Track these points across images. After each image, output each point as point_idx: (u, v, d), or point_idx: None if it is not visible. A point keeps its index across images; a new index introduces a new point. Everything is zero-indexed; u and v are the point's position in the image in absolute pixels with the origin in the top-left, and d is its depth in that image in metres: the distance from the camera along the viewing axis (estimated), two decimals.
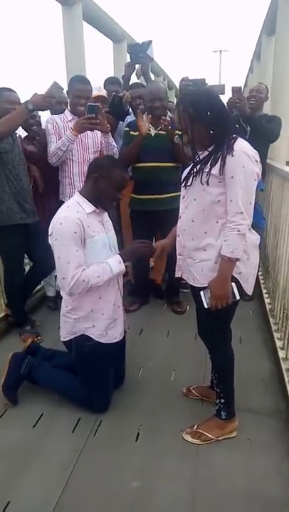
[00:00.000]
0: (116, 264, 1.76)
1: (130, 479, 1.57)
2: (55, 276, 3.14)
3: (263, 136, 2.82)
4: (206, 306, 1.57)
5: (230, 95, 2.76)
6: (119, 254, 1.82)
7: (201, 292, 1.58)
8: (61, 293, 1.85)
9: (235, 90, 2.69)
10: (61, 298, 1.96)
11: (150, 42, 2.99)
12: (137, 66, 3.27)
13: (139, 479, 1.57)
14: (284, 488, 1.52)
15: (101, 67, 5.94)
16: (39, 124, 2.65)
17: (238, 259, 1.50)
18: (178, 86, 2.98)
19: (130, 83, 3.26)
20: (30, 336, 2.52)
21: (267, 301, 2.96)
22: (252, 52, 6.88)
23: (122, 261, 1.78)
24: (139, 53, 3.00)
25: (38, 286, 3.11)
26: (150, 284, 3.24)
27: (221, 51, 27.49)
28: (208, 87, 2.69)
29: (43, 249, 2.57)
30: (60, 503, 1.47)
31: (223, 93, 2.72)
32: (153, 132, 2.64)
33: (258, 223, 2.94)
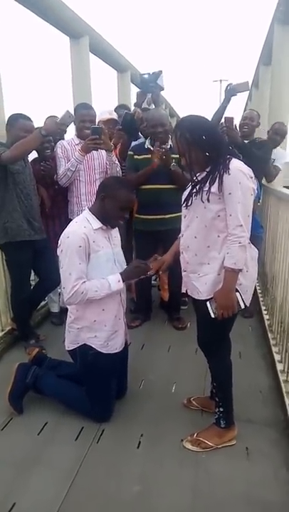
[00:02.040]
0: (115, 282, 1.85)
1: (132, 484, 1.61)
2: (59, 293, 3.25)
3: (254, 162, 2.96)
4: (212, 316, 1.65)
5: (224, 123, 2.90)
6: (120, 273, 1.90)
7: (208, 303, 1.66)
8: (61, 302, 1.93)
9: (228, 120, 2.85)
10: (65, 313, 2.08)
11: (160, 72, 3.17)
12: (148, 95, 3.45)
13: (141, 484, 1.61)
14: (282, 493, 1.57)
15: (106, 95, 6.21)
16: (52, 148, 2.81)
17: (240, 270, 1.59)
18: (180, 115, 3.18)
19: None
20: (34, 349, 2.58)
21: (266, 317, 3.03)
22: (250, 80, 7.17)
23: (121, 280, 1.87)
24: (150, 82, 3.17)
25: (43, 303, 3.20)
26: (151, 301, 3.33)
27: (221, 80, 28.35)
28: (232, 85, 2.87)
29: (49, 265, 2.71)
30: (64, 506, 1.51)
31: (247, 89, 2.89)
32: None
33: (256, 232, 3.06)
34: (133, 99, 5.13)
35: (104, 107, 3.64)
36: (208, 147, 1.61)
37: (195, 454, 1.77)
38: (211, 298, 1.65)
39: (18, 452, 1.80)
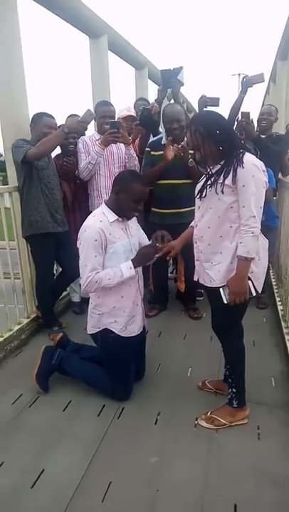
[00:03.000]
0: (127, 269, 1.97)
1: (149, 455, 1.75)
2: (80, 284, 3.41)
3: (270, 156, 3.03)
4: (225, 302, 1.75)
5: (240, 118, 3.00)
6: (131, 260, 2.01)
7: (221, 289, 1.76)
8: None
9: (244, 115, 2.94)
10: (86, 303, 2.21)
11: (181, 68, 3.25)
12: (168, 90, 3.54)
13: (158, 455, 1.75)
14: None
15: (124, 91, 6.33)
16: (75, 143, 2.95)
17: (253, 258, 1.69)
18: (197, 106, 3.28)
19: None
20: (58, 335, 2.74)
21: (280, 308, 3.11)
22: (268, 74, 7.15)
23: (132, 266, 1.98)
24: (170, 78, 3.24)
25: (64, 293, 3.36)
26: (168, 292, 3.44)
27: (239, 74, 28.04)
28: (248, 77, 2.99)
29: (71, 255, 2.86)
30: (88, 473, 1.66)
31: (262, 81, 3.02)
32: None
33: (272, 222, 3.15)
34: (150, 96, 5.23)
35: (122, 104, 3.77)
36: (222, 141, 1.70)
37: (209, 430, 1.89)
38: (225, 285, 1.76)
39: (45, 426, 1.96)
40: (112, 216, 1.98)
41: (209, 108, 3.39)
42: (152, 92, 6.25)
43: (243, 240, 1.67)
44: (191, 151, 2.78)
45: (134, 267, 1.99)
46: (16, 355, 2.68)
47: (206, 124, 1.68)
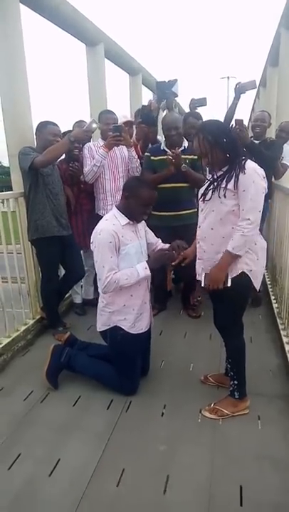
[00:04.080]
0: (142, 269, 2.10)
1: (158, 444, 1.86)
2: (81, 286, 3.51)
3: (263, 161, 3.17)
4: (202, 285, 1.92)
5: (234, 125, 3.14)
6: (146, 261, 2.15)
7: (203, 274, 1.92)
8: (99, 290, 2.18)
9: (238, 122, 3.08)
10: (87, 304, 2.24)
11: (176, 80, 3.42)
12: (163, 101, 3.67)
13: (166, 444, 1.86)
14: None
15: (118, 96, 6.44)
16: (80, 149, 3.07)
17: (238, 256, 1.82)
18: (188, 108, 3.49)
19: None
20: (63, 335, 2.84)
21: (275, 305, 3.25)
22: (258, 78, 7.33)
23: (147, 267, 2.11)
24: (165, 90, 3.42)
25: (67, 295, 3.46)
26: (168, 292, 3.56)
27: (228, 77, 28.46)
28: (240, 84, 3.16)
29: (74, 258, 2.98)
30: (101, 461, 1.77)
31: (255, 87, 3.18)
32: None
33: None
34: (144, 101, 5.35)
35: (116, 108, 3.90)
36: (228, 149, 1.83)
37: (213, 421, 2.01)
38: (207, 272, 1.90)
39: (58, 420, 2.06)
40: (124, 220, 2.09)
41: (199, 108, 3.59)
42: (146, 98, 6.41)
43: (234, 237, 1.81)
44: (188, 157, 2.92)
45: (150, 268, 2.11)
46: (23, 354, 2.77)
47: (213, 133, 1.80)
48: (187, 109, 3.90)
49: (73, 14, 3.81)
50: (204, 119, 3.45)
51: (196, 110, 3.65)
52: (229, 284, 1.88)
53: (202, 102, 3.52)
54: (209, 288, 1.89)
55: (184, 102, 9.32)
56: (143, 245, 2.21)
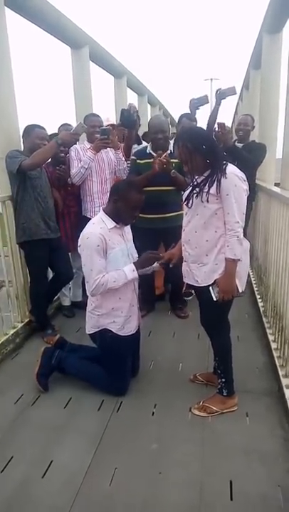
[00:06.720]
0: (130, 271, 2.12)
1: (150, 442, 1.90)
2: (70, 288, 3.52)
3: (243, 164, 3.25)
4: (214, 299, 1.93)
5: (217, 129, 3.20)
6: (133, 263, 2.18)
7: (210, 288, 1.94)
8: (87, 292, 2.20)
9: (220, 126, 3.15)
10: (75, 307, 2.29)
11: (206, 96, 3.51)
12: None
13: (157, 442, 1.90)
14: (277, 445, 1.86)
15: (103, 99, 6.47)
16: (66, 152, 3.09)
17: (239, 260, 1.88)
18: (173, 115, 3.50)
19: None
20: (52, 338, 2.85)
21: (260, 304, 3.33)
22: (241, 80, 7.44)
23: (135, 269, 2.14)
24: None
25: (55, 297, 3.47)
26: (155, 294, 3.61)
27: (212, 79, 28.73)
28: (221, 90, 3.21)
29: (63, 261, 3.00)
30: (94, 461, 1.80)
31: (234, 93, 3.26)
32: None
33: None
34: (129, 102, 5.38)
35: (103, 114, 3.93)
36: (207, 155, 1.88)
37: (202, 418, 2.06)
38: (214, 283, 1.93)
39: (49, 421, 2.08)
40: (111, 223, 2.12)
41: (201, 108, 3.58)
42: (131, 100, 6.45)
43: (230, 244, 1.85)
44: (174, 161, 2.96)
45: (137, 269, 2.14)
46: (13, 357, 2.77)
47: (192, 140, 1.85)
48: (173, 112, 3.92)
49: (58, 17, 3.82)
50: (203, 120, 3.51)
51: (197, 110, 3.55)
52: (241, 291, 1.93)
53: (203, 100, 3.42)
54: (223, 299, 1.91)
55: (168, 104, 9.42)
56: (130, 248, 2.24)
